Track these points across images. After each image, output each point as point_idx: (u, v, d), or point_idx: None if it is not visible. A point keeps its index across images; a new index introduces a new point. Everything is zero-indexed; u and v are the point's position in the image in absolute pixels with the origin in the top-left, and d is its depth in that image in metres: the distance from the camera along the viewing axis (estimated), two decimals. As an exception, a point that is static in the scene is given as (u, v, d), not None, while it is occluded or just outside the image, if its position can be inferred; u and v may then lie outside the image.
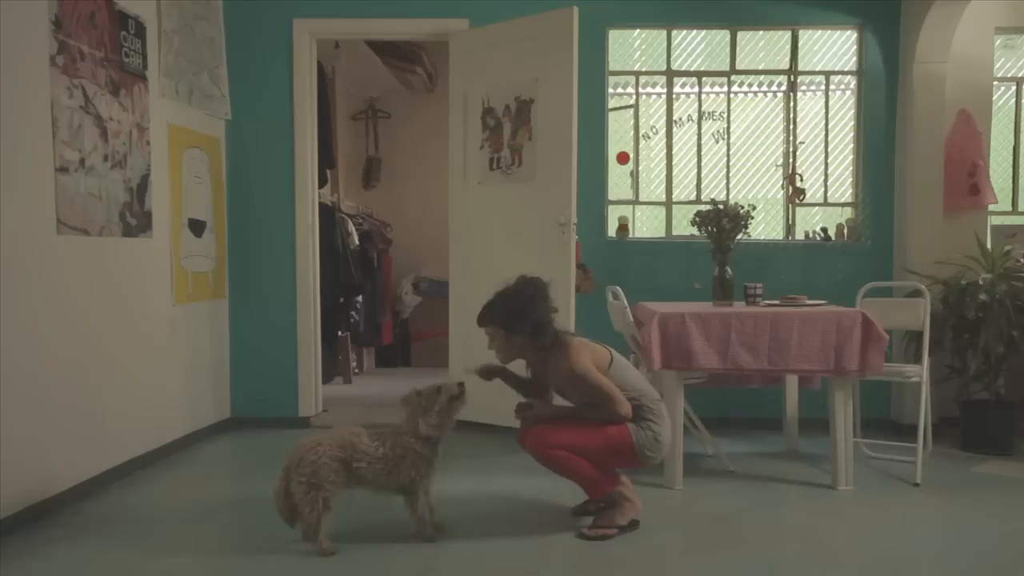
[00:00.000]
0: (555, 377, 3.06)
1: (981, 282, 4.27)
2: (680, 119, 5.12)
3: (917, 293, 4.03)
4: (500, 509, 3.35)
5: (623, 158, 5.04)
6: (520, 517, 3.26)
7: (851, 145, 5.01)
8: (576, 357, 2.96)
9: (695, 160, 5.08)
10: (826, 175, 5.05)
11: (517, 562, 2.78)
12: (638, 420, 2.98)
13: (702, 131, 5.06)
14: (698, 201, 4.98)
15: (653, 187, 5.22)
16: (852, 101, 5.01)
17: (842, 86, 5.03)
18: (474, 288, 4.68)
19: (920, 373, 3.86)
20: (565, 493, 3.36)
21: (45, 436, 3.23)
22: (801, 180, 5.01)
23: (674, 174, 5.06)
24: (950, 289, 4.35)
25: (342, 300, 5.96)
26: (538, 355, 3.07)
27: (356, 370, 6.58)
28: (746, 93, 5.22)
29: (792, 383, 4.27)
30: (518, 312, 2.99)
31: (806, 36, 5.01)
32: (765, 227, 5.20)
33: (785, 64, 5.03)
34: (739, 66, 4.99)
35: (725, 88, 5.04)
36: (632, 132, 5.09)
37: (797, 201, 5.02)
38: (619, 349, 4.22)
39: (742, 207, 3.96)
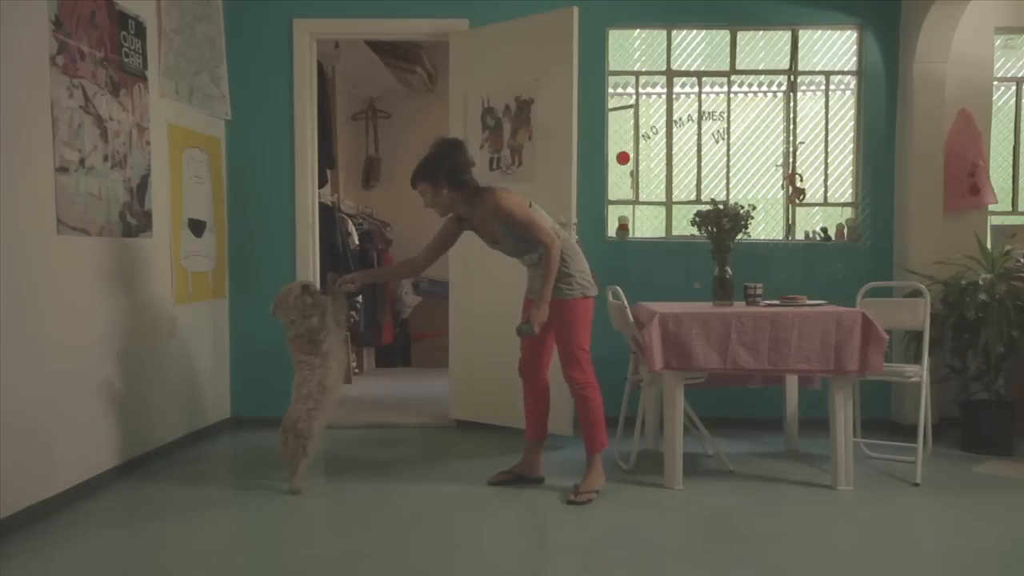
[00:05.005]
0: (486, 218, 3.44)
1: (981, 282, 4.27)
2: (680, 119, 5.12)
3: (917, 293, 4.03)
4: (501, 509, 3.35)
5: (623, 158, 5.03)
6: (521, 517, 3.26)
7: (851, 145, 5.01)
8: (504, 196, 3.39)
9: (695, 160, 5.08)
10: (826, 175, 5.05)
11: (518, 562, 2.78)
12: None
13: (702, 131, 5.06)
14: (698, 201, 4.98)
15: (653, 187, 5.21)
16: (852, 101, 5.00)
17: (842, 86, 5.03)
18: (474, 288, 4.68)
19: (920, 373, 3.86)
20: (566, 493, 3.36)
21: (45, 436, 3.23)
22: (801, 180, 5.01)
23: (674, 174, 5.06)
24: (950, 289, 4.35)
25: (342, 300, 5.95)
26: (468, 204, 3.47)
27: (356, 370, 6.57)
28: (746, 93, 5.22)
29: (792, 383, 4.27)
30: (434, 166, 3.42)
31: (806, 36, 5.01)
32: (765, 227, 5.19)
33: (785, 64, 5.03)
34: (739, 66, 4.99)
35: (725, 88, 5.04)
36: (632, 132, 5.08)
37: (797, 201, 5.02)
38: (619, 349, 4.25)
39: (742, 207, 3.95)
